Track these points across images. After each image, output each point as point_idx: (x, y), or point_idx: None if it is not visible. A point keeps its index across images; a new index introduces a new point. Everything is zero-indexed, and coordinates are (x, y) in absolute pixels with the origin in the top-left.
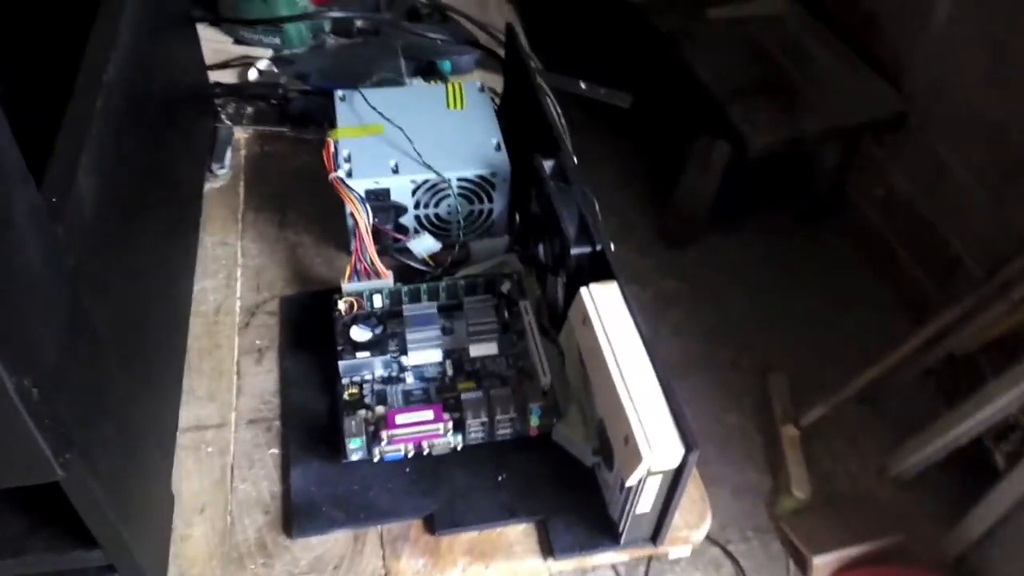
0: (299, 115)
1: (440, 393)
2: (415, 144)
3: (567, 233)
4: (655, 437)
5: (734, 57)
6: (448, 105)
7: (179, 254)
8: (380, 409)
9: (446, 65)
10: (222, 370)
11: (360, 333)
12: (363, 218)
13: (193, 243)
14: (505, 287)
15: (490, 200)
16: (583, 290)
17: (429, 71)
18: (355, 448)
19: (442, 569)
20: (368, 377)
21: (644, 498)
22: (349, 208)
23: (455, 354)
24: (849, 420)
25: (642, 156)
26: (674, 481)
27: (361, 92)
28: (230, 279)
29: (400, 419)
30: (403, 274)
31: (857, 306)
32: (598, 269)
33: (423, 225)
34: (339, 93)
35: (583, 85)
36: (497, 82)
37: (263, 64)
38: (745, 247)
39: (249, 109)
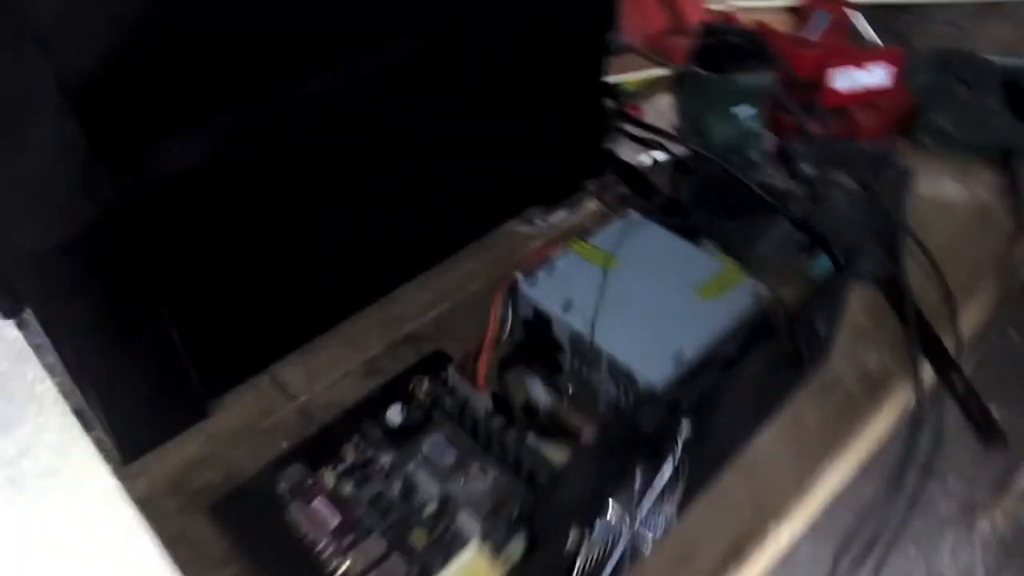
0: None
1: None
2: (608, 300)
3: None
4: None
5: None
6: (697, 288)
7: None
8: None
9: (823, 263)
10: None
11: (393, 414)
12: (493, 326)
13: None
14: None
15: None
16: None
17: (810, 251)
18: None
19: None
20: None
21: None
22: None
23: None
24: None
25: None
26: None
27: (650, 223)
28: None
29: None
30: None
31: None
32: None
33: (575, 380)
34: (634, 214)
35: None
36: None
37: (661, 156)
38: None
39: (621, 189)
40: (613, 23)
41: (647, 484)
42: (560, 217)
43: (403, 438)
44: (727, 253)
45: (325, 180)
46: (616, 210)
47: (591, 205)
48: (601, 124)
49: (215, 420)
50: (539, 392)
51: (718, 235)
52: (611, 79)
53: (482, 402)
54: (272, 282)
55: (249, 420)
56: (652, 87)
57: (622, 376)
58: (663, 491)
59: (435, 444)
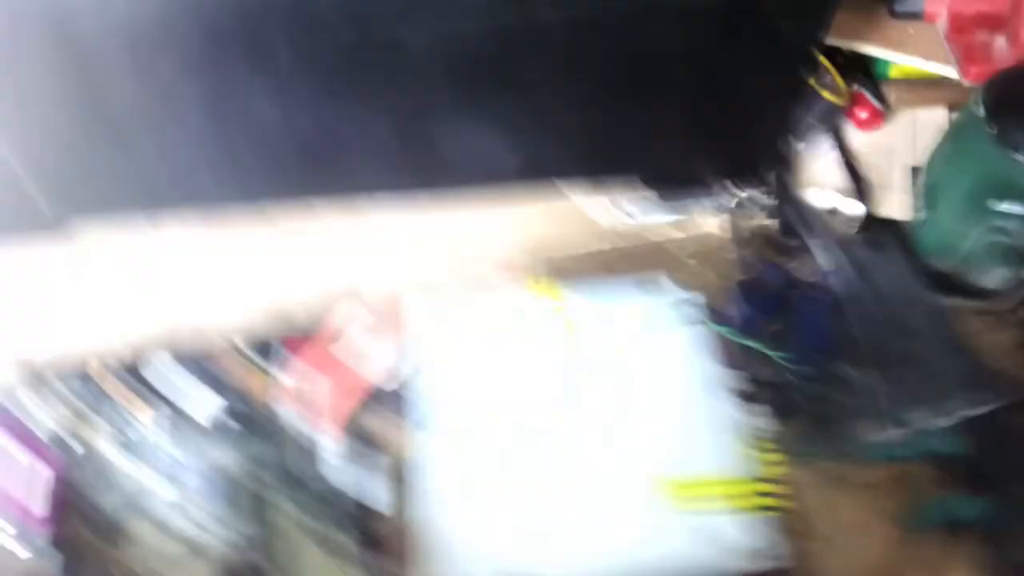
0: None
1: None
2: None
3: None
4: None
5: None
6: (678, 479)
7: None
8: None
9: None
10: None
11: (202, 407)
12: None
13: None
14: None
15: None
16: None
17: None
18: None
19: None
20: None
21: None
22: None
23: None
24: None
25: None
26: None
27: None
28: None
29: None
30: None
31: None
32: None
33: None
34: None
35: None
36: None
37: (834, 203)
38: None
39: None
40: None
41: None
42: (657, 218)
43: (195, 435)
44: (821, 420)
45: None
46: (743, 243)
47: (711, 222)
48: (785, 111)
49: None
50: (379, 489)
51: (835, 384)
52: (870, 50)
53: (326, 445)
54: None
55: None
56: (925, 89)
57: None
58: None
59: (208, 475)
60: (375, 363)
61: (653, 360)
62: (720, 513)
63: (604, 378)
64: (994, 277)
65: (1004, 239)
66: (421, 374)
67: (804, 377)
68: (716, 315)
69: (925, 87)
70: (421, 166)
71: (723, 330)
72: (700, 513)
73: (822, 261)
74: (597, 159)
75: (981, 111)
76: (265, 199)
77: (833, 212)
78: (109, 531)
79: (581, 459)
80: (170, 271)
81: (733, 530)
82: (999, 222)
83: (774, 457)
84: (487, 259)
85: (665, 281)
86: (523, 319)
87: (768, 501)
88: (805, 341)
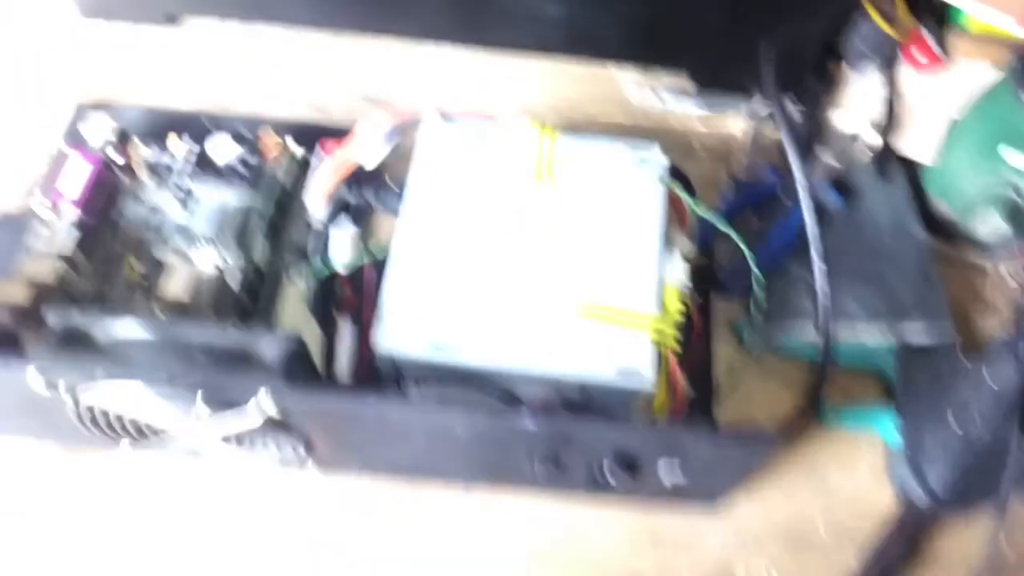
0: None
1: None
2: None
3: None
4: None
5: None
6: (588, 298)
7: None
8: None
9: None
10: None
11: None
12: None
13: None
14: None
15: None
16: None
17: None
18: None
19: None
20: None
21: None
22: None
23: None
24: None
25: None
26: None
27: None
28: None
29: None
30: None
31: None
32: None
33: None
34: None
35: None
36: None
37: (859, 131)
38: None
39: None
40: None
41: None
42: (687, 109)
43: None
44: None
45: None
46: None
47: (736, 124)
48: (832, 30)
49: None
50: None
51: (786, 280)
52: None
53: (313, 209)
54: None
55: None
56: (990, 45)
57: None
58: None
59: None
60: (374, 153)
61: (615, 205)
62: (623, 339)
63: (567, 209)
64: (991, 229)
65: (1011, 194)
66: (415, 172)
67: (760, 267)
68: (691, 190)
69: (990, 44)
70: (476, 22)
71: (691, 199)
72: (606, 336)
73: (798, 177)
74: (647, 46)
75: (1014, 61)
76: (329, 28)
77: (855, 139)
78: (125, 238)
79: (524, 270)
80: (245, 63)
81: (628, 356)
82: (1009, 174)
83: (687, 312)
84: (510, 101)
85: (656, 148)
86: (516, 150)
87: (669, 345)
88: (777, 236)
